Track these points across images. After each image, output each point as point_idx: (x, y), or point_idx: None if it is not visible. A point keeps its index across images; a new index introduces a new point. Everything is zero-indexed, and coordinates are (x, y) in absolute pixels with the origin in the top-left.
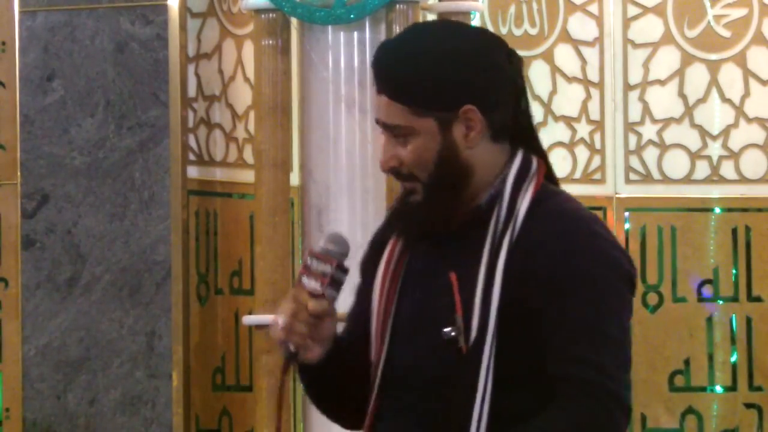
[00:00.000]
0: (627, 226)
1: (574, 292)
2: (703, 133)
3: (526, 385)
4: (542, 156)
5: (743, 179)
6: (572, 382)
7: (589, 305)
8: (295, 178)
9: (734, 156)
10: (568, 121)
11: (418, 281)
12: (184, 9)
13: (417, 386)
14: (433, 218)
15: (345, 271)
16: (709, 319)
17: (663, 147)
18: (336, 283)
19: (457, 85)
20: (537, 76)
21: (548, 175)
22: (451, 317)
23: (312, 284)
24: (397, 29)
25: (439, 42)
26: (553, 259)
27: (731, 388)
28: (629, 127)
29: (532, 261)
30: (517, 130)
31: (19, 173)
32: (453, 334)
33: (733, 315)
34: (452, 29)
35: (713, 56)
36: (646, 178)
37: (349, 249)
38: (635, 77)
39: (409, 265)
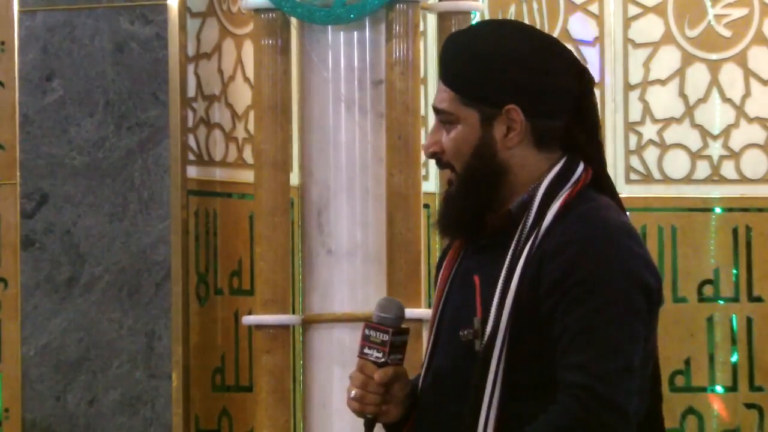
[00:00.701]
0: None
1: (581, 298)
2: (704, 132)
3: (538, 390)
4: (598, 167)
5: (744, 179)
6: (566, 388)
7: (594, 312)
8: (295, 178)
9: (735, 156)
10: None
11: (456, 285)
12: (184, 9)
13: (444, 388)
14: (462, 212)
15: (404, 332)
16: (710, 320)
17: (663, 147)
18: (397, 347)
19: (506, 83)
20: None
21: (599, 185)
22: (471, 320)
23: (375, 354)
24: (397, 29)
25: (501, 39)
26: (566, 265)
27: (732, 388)
28: (629, 126)
29: (547, 266)
30: (572, 142)
31: (18, 173)
32: (468, 336)
33: (734, 315)
34: (522, 31)
35: (714, 56)
36: (647, 178)
37: (403, 311)
38: (635, 77)
39: (456, 269)
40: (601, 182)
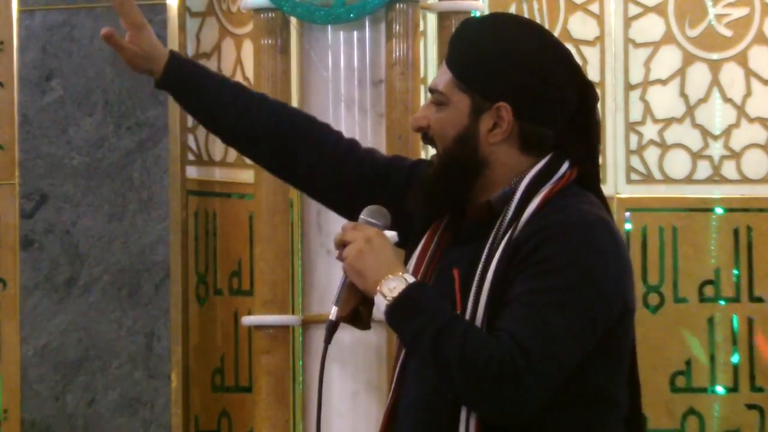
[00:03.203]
0: (628, 226)
1: (537, 274)
2: (705, 133)
3: None
4: (584, 168)
5: (745, 179)
6: (498, 343)
7: (543, 291)
8: None
9: (735, 156)
10: None
11: (437, 277)
12: (184, 8)
13: (429, 378)
14: (433, 194)
15: None
16: (711, 320)
17: (664, 147)
18: None
19: (503, 80)
20: None
21: (588, 183)
22: None
23: None
24: (397, 29)
25: (512, 37)
26: (535, 245)
27: (733, 389)
28: (630, 126)
29: (520, 253)
30: (563, 150)
31: (17, 173)
32: None
33: (735, 316)
34: (536, 35)
35: (714, 56)
36: (647, 178)
37: (390, 223)
38: (636, 77)
39: (439, 261)
40: (589, 181)
